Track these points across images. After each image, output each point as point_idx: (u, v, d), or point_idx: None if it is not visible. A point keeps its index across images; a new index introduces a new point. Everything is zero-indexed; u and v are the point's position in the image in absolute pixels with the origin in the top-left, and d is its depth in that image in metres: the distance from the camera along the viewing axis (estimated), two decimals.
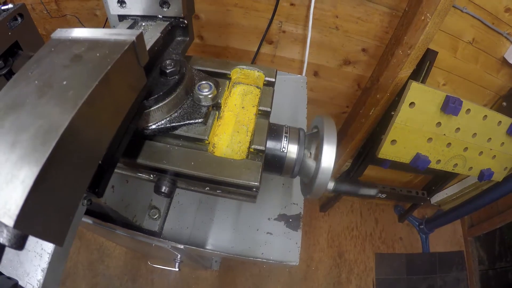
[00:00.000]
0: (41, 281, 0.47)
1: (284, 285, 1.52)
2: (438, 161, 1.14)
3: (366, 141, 1.29)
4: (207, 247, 0.69)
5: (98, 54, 0.30)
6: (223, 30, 1.10)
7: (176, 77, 0.42)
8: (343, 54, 1.09)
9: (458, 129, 1.06)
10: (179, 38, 0.50)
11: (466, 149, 1.12)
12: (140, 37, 0.32)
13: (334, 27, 1.00)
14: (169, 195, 0.42)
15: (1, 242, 0.23)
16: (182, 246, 0.64)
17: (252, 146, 0.41)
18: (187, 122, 0.42)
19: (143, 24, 0.48)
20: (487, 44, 1.03)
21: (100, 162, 0.31)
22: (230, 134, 0.45)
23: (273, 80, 0.50)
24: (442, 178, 1.39)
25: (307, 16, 0.97)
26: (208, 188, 0.42)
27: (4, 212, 0.19)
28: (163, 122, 0.42)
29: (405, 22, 0.92)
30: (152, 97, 0.40)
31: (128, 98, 0.34)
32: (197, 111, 0.43)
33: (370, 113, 1.17)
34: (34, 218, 0.22)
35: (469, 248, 1.69)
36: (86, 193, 0.57)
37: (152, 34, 0.43)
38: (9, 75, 0.60)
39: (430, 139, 1.09)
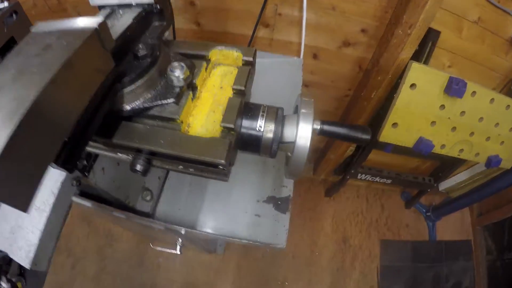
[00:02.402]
0: (31, 255, 0.51)
1: (287, 270, 1.55)
2: (443, 146, 1.12)
3: (369, 125, 1.28)
4: (197, 228, 0.72)
5: (64, 42, 0.33)
6: (219, 16, 1.11)
7: (148, 59, 0.44)
8: (342, 35, 1.08)
9: (463, 112, 1.04)
10: (156, 23, 0.52)
11: (472, 134, 1.10)
12: (103, 24, 0.34)
13: (331, 7, 0.99)
14: (144, 173, 0.44)
15: None
16: (172, 226, 0.67)
17: (221, 124, 0.42)
18: (160, 102, 0.44)
19: (121, 11, 0.49)
20: (494, 24, 1.00)
21: (66, 138, 0.34)
22: (205, 113, 0.47)
23: (251, 59, 0.51)
24: (450, 165, 1.37)
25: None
26: (181, 166, 0.45)
27: None
28: (137, 103, 0.44)
29: (404, 0, 0.90)
30: (125, 80, 0.42)
31: (95, 80, 0.36)
32: (170, 92, 0.44)
33: (372, 96, 1.16)
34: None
35: (477, 237, 1.67)
36: (74, 175, 0.60)
37: (125, 21, 0.45)
38: None
39: (433, 123, 1.07)
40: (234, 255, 1.59)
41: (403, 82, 1.00)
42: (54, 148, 0.31)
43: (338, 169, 1.63)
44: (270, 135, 0.48)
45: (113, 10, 0.50)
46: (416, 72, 0.98)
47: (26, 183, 0.29)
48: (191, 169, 0.44)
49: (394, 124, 1.09)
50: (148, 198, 0.80)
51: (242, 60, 0.52)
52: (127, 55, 0.45)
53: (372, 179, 1.50)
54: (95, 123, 0.40)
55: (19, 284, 1.59)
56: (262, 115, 0.49)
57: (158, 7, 0.49)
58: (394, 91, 1.06)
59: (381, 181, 1.50)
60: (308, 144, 0.46)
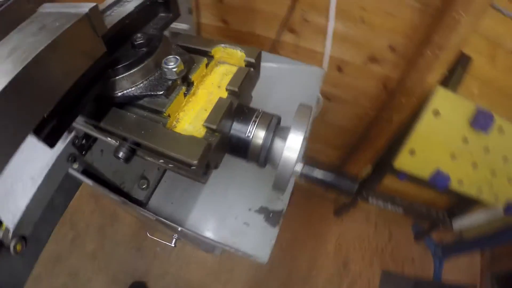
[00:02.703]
0: (16, 220, 0.53)
1: (280, 284, 1.52)
2: (460, 182, 1.05)
3: (388, 148, 1.23)
4: (184, 225, 0.72)
5: (57, 24, 0.34)
6: (246, 15, 1.11)
7: (145, 49, 0.44)
8: (369, 50, 1.05)
9: (487, 149, 0.98)
10: (162, 14, 0.52)
11: (494, 173, 1.02)
12: (94, 9, 0.36)
13: (360, 19, 0.97)
14: (126, 160, 0.45)
15: None
16: (157, 218, 0.67)
17: (204, 124, 0.41)
18: (150, 93, 0.44)
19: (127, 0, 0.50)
20: None
21: (46, 115, 0.35)
22: (197, 111, 0.46)
23: (253, 61, 0.50)
24: (467, 202, 1.29)
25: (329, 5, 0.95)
26: (161, 160, 0.44)
27: None
28: (128, 91, 0.45)
29: (435, 20, 0.86)
30: (118, 66, 0.43)
31: (82, 63, 0.37)
32: (161, 84, 0.45)
33: (394, 118, 1.12)
34: None
35: (484, 283, 1.55)
36: (71, 151, 0.62)
37: (127, 8, 0.46)
38: None
39: (454, 156, 1.02)
40: (230, 259, 1.58)
41: (427, 107, 0.96)
42: (32, 120, 0.33)
43: None
44: (259, 141, 0.47)
45: None
46: (442, 98, 0.93)
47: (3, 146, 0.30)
48: (170, 165, 0.44)
49: (412, 152, 1.04)
50: (144, 186, 0.81)
51: (244, 60, 0.51)
52: (126, 43, 0.46)
53: (383, 205, 1.44)
54: (83, 104, 0.41)
55: (18, 246, 1.66)
56: (255, 121, 0.48)
57: None
58: (417, 115, 1.02)
59: (392, 208, 1.44)
60: (295, 156, 0.44)
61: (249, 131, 0.47)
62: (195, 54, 0.53)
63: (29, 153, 0.59)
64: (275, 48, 1.15)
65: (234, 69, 0.53)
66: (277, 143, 0.48)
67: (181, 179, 0.82)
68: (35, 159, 0.58)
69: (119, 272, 1.58)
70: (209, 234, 0.71)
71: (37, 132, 0.36)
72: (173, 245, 1.15)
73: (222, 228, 0.72)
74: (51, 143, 0.38)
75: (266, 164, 0.50)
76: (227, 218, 0.73)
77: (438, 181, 1.05)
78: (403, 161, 1.07)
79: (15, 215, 0.54)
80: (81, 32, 0.35)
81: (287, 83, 0.95)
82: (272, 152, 0.48)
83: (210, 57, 0.53)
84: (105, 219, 1.70)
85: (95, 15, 0.35)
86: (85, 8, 0.35)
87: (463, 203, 1.33)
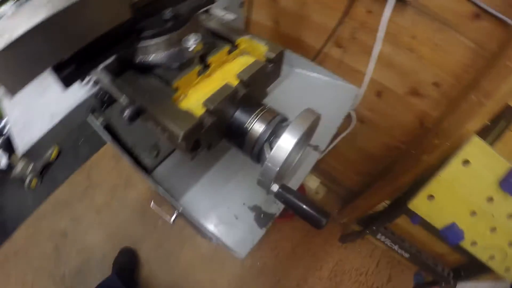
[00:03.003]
0: (26, 148, 0.59)
1: None
2: (474, 243, 0.99)
3: (410, 188, 1.18)
4: (178, 199, 0.74)
5: None
6: (298, 21, 1.12)
7: (170, 23, 0.47)
8: (413, 81, 1.01)
9: (511, 215, 0.91)
10: None
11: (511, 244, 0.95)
12: None
13: (409, 48, 0.94)
14: (129, 120, 0.48)
15: None
16: (154, 184, 0.70)
17: (203, 102, 0.43)
18: (165, 64, 0.47)
19: None
20: None
21: (67, 56, 0.39)
22: (206, 92, 0.48)
23: (272, 56, 0.51)
24: (478, 267, 1.19)
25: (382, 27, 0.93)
26: (159, 128, 0.47)
27: None
28: (147, 58, 0.48)
29: (488, 64, 0.81)
30: (144, 34, 0.46)
31: (107, 23, 0.40)
32: (178, 58, 0.47)
33: (422, 158, 1.07)
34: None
35: None
36: (91, 103, 0.67)
37: None
38: None
39: (473, 213, 0.96)
40: (225, 252, 1.59)
41: (457, 154, 0.91)
42: (55, 56, 0.37)
43: (362, 219, 1.53)
44: (256, 134, 0.48)
45: None
46: (475, 148, 0.88)
47: (23, 74, 0.35)
48: (165, 134, 0.46)
49: (430, 197, 0.99)
50: (154, 155, 0.85)
51: (265, 55, 0.52)
52: (158, 14, 0.49)
53: (391, 245, 1.38)
54: (103, 57, 0.45)
55: (34, 181, 1.80)
56: (258, 114, 0.49)
57: None
58: (445, 161, 0.97)
59: (398, 251, 1.37)
60: (283, 157, 0.44)
61: (249, 122, 0.49)
62: (222, 40, 0.55)
63: (55, 95, 0.65)
64: (319, 58, 1.15)
65: (245, 58, 0.54)
66: (273, 141, 0.48)
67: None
68: (59, 101, 0.64)
69: (117, 233, 1.66)
70: (197, 214, 0.73)
71: (57, 70, 0.40)
72: (171, 222, 1.19)
73: (212, 213, 0.74)
74: (66, 83, 0.42)
75: (259, 161, 0.51)
76: (220, 205, 0.75)
77: (450, 235, 0.99)
78: (419, 204, 1.02)
79: (26, 143, 0.60)
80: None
81: (321, 94, 0.96)
82: (264, 149, 0.49)
83: (235, 46, 0.55)
84: (119, 180, 1.79)
85: None
86: None
87: (472, 267, 1.24)
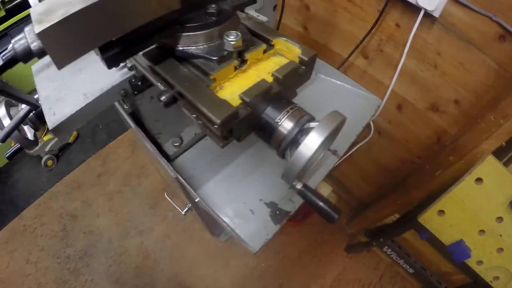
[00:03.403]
0: (57, 122, 0.62)
1: None
2: (479, 263, 1.00)
3: (420, 202, 1.19)
4: (196, 190, 0.78)
5: None
6: (327, 29, 1.15)
7: (213, 18, 0.51)
8: (434, 97, 1.03)
9: None
10: None
11: None
12: None
13: (433, 64, 0.96)
14: (165, 105, 0.51)
15: (23, 44, 0.37)
16: (174, 173, 0.73)
17: (240, 94, 0.47)
18: (205, 56, 0.51)
19: None
20: None
21: (114, 38, 0.42)
22: (241, 86, 0.52)
23: (305, 59, 0.55)
24: None
25: (407, 41, 0.95)
26: (194, 115, 0.50)
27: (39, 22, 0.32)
28: (188, 48, 0.52)
29: (509, 86, 0.83)
30: (187, 25, 0.50)
31: (156, 10, 0.44)
32: (217, 52, 0.51)
33: (436, 174, 1.09)
34: (54, 37, 0.35)
35: None
36: (124, 86, 0.71)
37: None
38: None
39: (482, 232, 0.97)
40: (231, 251, 1.63)
41: (471, 172, 0.93)
42: (103, 37, 0.40)
43: (370, 231, 1.55)
44: (284, 131, 0.51)
45: None
46: (489, 167, 0.90)
47: (72, 49, 0.38)
48: (200, 121, 0.50)
49: (441, 212, 1.01)
50: (177, 145, 0.89)
51: (298, 57, 0.56)
52: (203, 8, 0.53)
53: (396, 259, 1.39)
54: (147, 44, 0.49)
55: (50, 161, 1.87)
56: (288, 111, 0.52)
57: None
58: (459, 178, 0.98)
59: (404, 266, 1.38)
60: (309, 154, 0.47)
61: (279, 118, 0.52)
62: (258, 38, 0.59)
63: (89, 75, 0.69)
64: (343, 67, 1.18)
65: (279, 59, 0.58)
66: (300, 138, 0.52)
67: (210, 151, 0.89)
68: (93, 81, 0.68)
69: (126, 220, 1.71)
70: (213, 206, 0.76)
71: (102, 50, 0.44)
72: (183, 213, 1.22)
73: (228, 206, 0.77)
74: (109, 64, 0.46)
75: (285, 156, 0.54)
76: (237, 199, 0.78)
77: (457, 252, 1.01)
78: (429, 218, 1.04)
79: (58, 119, 0.63)
80: None
81: (344, 102, 0.98)
82: (293, 144, 0.52)
83: (270, 46, 0.58)
84: (134, 169, 1.85)
85: None
86: None
87: None
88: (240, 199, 0.78)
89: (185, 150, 0.90)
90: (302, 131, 0.52)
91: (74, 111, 0.64)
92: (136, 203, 1.75)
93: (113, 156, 1.89)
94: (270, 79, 0.52)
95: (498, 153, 0.92)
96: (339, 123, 0.50)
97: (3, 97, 0.66)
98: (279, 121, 0.52)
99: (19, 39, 0.40)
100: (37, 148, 1.82)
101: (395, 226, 1.30)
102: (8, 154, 0.89)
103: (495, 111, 0.87)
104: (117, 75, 0.69)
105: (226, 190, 0.80)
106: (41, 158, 1.86)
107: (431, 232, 1.06)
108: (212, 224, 1.51)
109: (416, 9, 0.88)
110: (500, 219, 0.92)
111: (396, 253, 1.38)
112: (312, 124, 0.53)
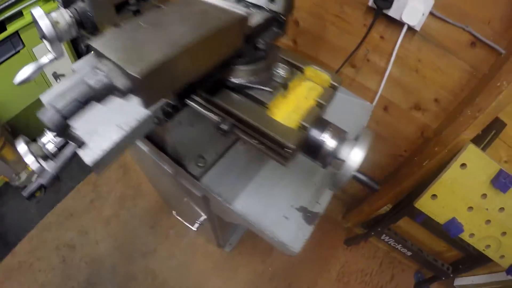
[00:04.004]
0: (97, 157, 0.66)
1: None
2: (472, 235, 1.17)
3: (411, 191, 1.35)
4: (228, 202, 0.85)
5: (219, 15, 0.50)
6: (316, 42, 1.27)
7: (263, 53, 0.60)
8: (416, 98, 1.19)
9: (502, 208, 1.09)
10: (274, 29, 0.68)
11: (504, 233, 1.14)
12: (248, 15, 0.51)
13: (415, 69, 1.12)
14: (226, 133, 0.59)
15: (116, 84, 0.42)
16: (211, 194, 0.80)
17: (301, 121, 0.56)
18: (261, 87, 0.59)
19: (251, 9, 0.67)
20: None
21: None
22: (288, 111, 0.61)
23: (336, 85, 0.65)
24: (473, 260, 1.39)
25: (392, 52, 1.10)
26: (255, 140, 0.59)
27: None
28: (242, 80, 0.60)
29: (481, 84, 1.00)
30: (240, 60, 0.59)
31: (227, 49, 0.52)
32: (269, 83, 0.60)
33: (424, 164, 1.25)
34: (148, 82, 0.40)
35: None
36: (157, 114, 0.77)
37: (257, 18, 0.62)
38: (137, 12, 0.85)
39: (470, 208, 1.14)
40: (238, 259, 1.70)
41: (456, 159, 1.09)
42: (174, 87, 0.47)
43: (366, 223, 1.69)
44: (329, 148, 0.61)
45: (247, 5, 0.68)
46: (471, 154, 1.06)
47: (157, 92, 0.44)
48: (262, 145, 0.58)
49: (434, 196, 1.16)
50: (201, 165, 0.95)
51: (330, 83, 0.66)
52: (248, 43, 0.61)
53: (394, 244, 1.54)
54: (207, 83, 0.57)
55: (37, 192, 1.81)
56: (329, 130, 0.62)
57: (283, 18, 0.66)
58: (445, 165, 1.14)
59: (402, 250, 1.54)
60: (356, 166, 0.57)
61: (323, 137, 0.62)
62: (292, 67, 0.69)
63: (117, 103, 0.73)
64: None
65: (317, 86, 0.68)
66: (343, 152, 0.62)
67: (234, 167, 0.97)
68: (124, 110, 0.72)
69: (128, 243, 1.71)
70: (251, 218, 0.84)
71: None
72: (194, 229, 1.28)
73: (264, 216, 0.85)
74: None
75: (327, 167, 0.65)
76: (270, 209, 0.86)
77: (451, 229, 1.17)
78: (424, 203, 1.19)
79: (97, 154, 0.67)
80: (235, 28, 0.51)
81: (339, 109, 1.10)
82: (337, 158, 0.62)
83: (302, 72, 0.69)
84: (128, 190, 1.85)
85: (247, 19, 0.52)
86: (243, 12, 0.50)
87: (469, 260, 1.42)
88: (273, 208, 0.87)
89: (210, 168, 0.97)
90: (343, 145, 0.62)
91: (113, 145, 0.67)
92: (135, 225, 1.76)
93: (103, 180, 1.88)
94: (309, 103, 0.62)
95: (476, 141, 1.09)
96: (371, 138, 0.62)
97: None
98: (323, 139, 0.62)
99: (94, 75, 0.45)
100: (23, 179, 1.76)
101: (390, 215, 1.45)
102: (27, 194, 0.89)
103: (471, 106, 1.04)
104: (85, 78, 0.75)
105: (258, 201, 0.88)
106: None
107: (426, 215, 1.22)
108: (222, 235, 1.57)
109: (400, 23, 1.02)
110: (484, 195, 1.09)
111: (394, 239, 1.54)
112: (350, 140, 0.64)
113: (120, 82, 0.41)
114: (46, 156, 0.88)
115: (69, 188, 1.83)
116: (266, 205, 0.87)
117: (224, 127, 0.59)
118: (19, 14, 1.74)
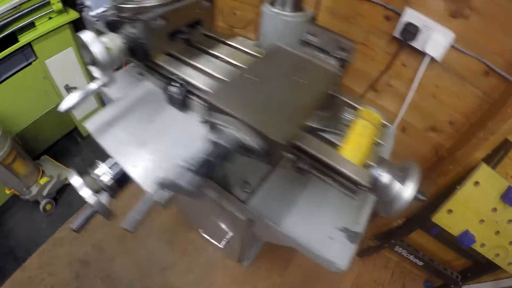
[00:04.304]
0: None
1: None
2: (483, 245, 1.34)
3: (425, 205, 1.50)
4: (276, 224, 0.95)
5: (320, 75, 0.61)
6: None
7: (336, 99, 0.72)
8: (432, 121, 1.35)
9: (510, 221, 1.26)
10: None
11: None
12: (340, 72, 0.63)
13: (432, 94, 1.27)
14: (303, 171, 0.71)
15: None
16: (262, 218, 0.91)
17: (369, 161, 0.68)
18: (333, 130, 0.71)
19: (318, 54, 0.78)
20: None
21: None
22: (353, 150, 0.72)
23: (388, 124, 0.78)
24: (481, 268, 1.55)
25: (413, 78, 1.25)
26: (330, 179, 0.70)
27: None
28: (318, 124, 0.72)
29: (492, 109, 1.17)
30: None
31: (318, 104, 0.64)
32: (338, 125, 0.72)
33: (438, 181, 1.40)
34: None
35: None
36: None
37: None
38: (187, 41, 0.93)
39: (482, 221, 1.30)
40: (256, 273, 1.78)
41: (470, 178, 1.24)
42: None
43: (379, 235, 1.84)
44: (385, 180, 0.74)
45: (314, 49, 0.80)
46: (483, 173, 1.22)
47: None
48: (336, 182, 0.70)
49: (449, 211, 1.32)
50: (247, 190, 1.04)
51: (381, 122, 0.79)
52: None
53: (407, 255, 1.70)
54: None
55: (48, 206, 1.87)
56: (388, 167, 0.74)
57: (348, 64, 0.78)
58: (458, 182, 1.30)
59: (414, 260, 1.70)
60: (410, 198, 0.70)
61: (383, 174, 0.74)
62: (351, 108, 0.81)
63: (177, 136, 0.81)
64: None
65: (369, 124, 0.80)
66: (395, 186, 0.74)
67: (276, 191, 1.07)
68: (187, 144, 0.79)
69: (145, 259, 1.77)
70: (299, 239, 0.95)
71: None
72: (221, 246, 1.37)
73: (311, 237, 0.95)
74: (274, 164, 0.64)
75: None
76: (316, 230, 0.96)
77: (465, 240, 1.32)
78: (440, 217, 1.34)
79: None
80: (331, 86, 0.62)
81: None
82: (390, 189, 0.74)
83: (358, 112, 0.81)
84: None
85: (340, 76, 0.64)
86: (338, 71, 0.62)
87: (477, 268, 1.59)
88: (318, 228, 0.97)
89: (254, 193, 1.06)
90: (396, 179, 0.75)
91: (183, 184, 0.73)
92: (152, 241, 1.82)
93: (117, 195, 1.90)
94: (366, 140, 0.75)
95: (487, 160, 1.24)
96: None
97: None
98: (383, 175, 0.74)
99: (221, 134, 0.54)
100: (34, 193, 1.79)
101: (405, 227, 1.61)
102: (77, 227, 0.91)
103: (483, 129, 1.19)
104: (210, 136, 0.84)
105: (303, 222, 0.98)
106: (39, 203, 1.84)
107: (441, 228, 1.38)
108: (245, 250, 1.66)
109: (422, 54, 1.17)
110: (494, 209, 1.25)
111: (407, 250, 1.69)
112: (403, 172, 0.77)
113: (255, 143, 0.51)
114: (101, 188, 0.96)
115: (81, 202, 1.84)
116: (311, 226, 0.98)
117: (303, 166, 0.70)
118: (31, 25, 1.78)
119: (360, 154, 0.71)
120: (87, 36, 0.73)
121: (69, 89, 2.01)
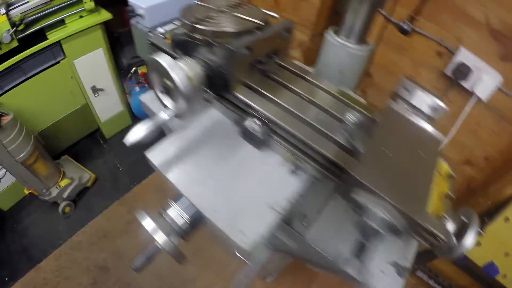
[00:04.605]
0: (253, 244, 0.82)
1: None
2: (505, 276, 1.46)
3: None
4: (331, 257, 1.03)
5: (433, 149, 0.68)
6: (385, 96, 1.48)
7: None
8: (469, 154, 1.45)
9: None
10: None
11: None
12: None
13: (473, 131, 1.37)
14: (399, 234, 0.78)
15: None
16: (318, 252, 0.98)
17: (445, 214, 0.77)
18: None
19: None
20: None
21: None
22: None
23: (454, 175, 0.87)
24: None
25: (457, 115, 1.35)
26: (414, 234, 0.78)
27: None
28: None
29: None
30: None
31: None
32: None
33: None
34: None
35: None
36: None
37: None
38: (264, 71, 0.91)
39: (507, 254, 1.42)
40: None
41: (501, 213, 1.36)
42: None
43: None
44: (451, 228, 0.83)
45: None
46: None
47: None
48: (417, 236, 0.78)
49: (478, 244, 1.44)
50: (305, 224, 1.11)
51: (450, 173, 0.88)
52: None
53: (427, 280, 1.82)
54: None
55: (67, 208, 1.89)
56: (456, 221, 0.83)
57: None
58: (486, 215, 1.41)
59: (433, 285, 1.83)
60: (470, 247, 0.78)
61: (452, 227, 0.83)
62: None
63: (257, 181, 0.81)
64: None
65: (438, 175, 0.89)
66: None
67: (332, 221, 1.14)
68: (270, 188, 0.81)
69: (167, 270, 1.78)
70: (352, 272, 1.03)
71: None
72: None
73: (364, 270, 1.04)
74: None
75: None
76: (369, 263, 1.06)
77: (489, 271, 1.45)
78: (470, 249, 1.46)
79: (253, 239, 0.70)
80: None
81: None
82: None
83: None
84: None
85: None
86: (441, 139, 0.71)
87: None
88: (371, 262, 1.06)
89: (314, 223, 1.12)
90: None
91: (270, 228, 0.74)
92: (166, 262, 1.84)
93: (141, 201, 1.94)
94: (438, 188, 0.84)
95: None
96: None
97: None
98: (445, 219, 0.83)
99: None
100: (54, 195, 1.81)
101: (428, 254, 1.72)
102: (138, 267, 0.87)
103: None
104: (293, 180, 0.89)
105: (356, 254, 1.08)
106: (58, 204, 1.86)
107: (468, 258, 1.50)
108: (272, 268, 1.72)
109: (469, 93, 1.27)
110: None
111: (427, 275, 1.81)
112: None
113: (399, 224, 0.56)
114: (174, 230, 0.90)
115: (101, 206, 1.89)
116: (365, 260, 1.07)
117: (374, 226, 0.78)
118: (61, 22, 1.80)
119: (435, 206, 0.80)
120: (166, 60, 0.64)
121: (95, 90, 2.04)
